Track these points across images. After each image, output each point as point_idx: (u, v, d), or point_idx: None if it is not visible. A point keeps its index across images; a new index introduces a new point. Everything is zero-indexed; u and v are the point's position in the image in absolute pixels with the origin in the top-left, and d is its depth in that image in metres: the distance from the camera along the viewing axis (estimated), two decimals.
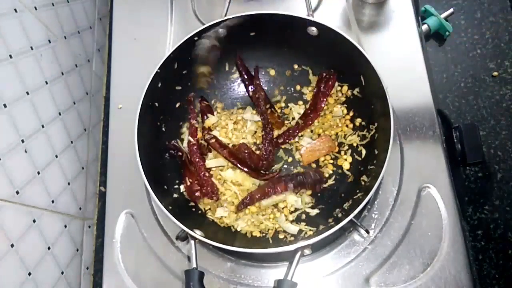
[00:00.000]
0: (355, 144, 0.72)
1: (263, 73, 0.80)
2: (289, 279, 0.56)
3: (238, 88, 0.81)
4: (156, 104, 0.70)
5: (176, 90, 0.75)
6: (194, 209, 0.71)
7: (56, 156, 0.73)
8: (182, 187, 0.71)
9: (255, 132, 0.76)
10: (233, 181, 0.71)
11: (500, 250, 0.78)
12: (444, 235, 0.65)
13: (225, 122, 0.77)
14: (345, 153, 0.72)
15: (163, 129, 0.73)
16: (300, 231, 0.66)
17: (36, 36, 0.71)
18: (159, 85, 0.69)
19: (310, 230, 0.65)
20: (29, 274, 0.61)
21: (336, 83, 0.76)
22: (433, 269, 0.63)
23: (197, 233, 0.59)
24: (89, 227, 0.82)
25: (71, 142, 0.79)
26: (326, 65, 0.77)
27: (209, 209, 0.70)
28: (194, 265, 0.59)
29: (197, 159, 0.71)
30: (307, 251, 0.63)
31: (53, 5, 0.77)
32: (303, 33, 0.71)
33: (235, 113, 0.78)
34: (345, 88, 0.75)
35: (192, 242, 0.62)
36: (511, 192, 0.82)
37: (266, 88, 0.80)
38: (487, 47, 0.95)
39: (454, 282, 0.62)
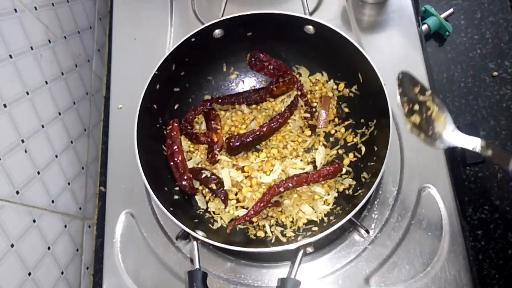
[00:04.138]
0: (350, 140, 0.73)
1: (262, 73, 0.80)
2: (292, 277, 0.56)
3: (236, 88, 0.81)
4: (155, 106, 0.70)
5: (174, 91, 0.75)
6: (194, 210, 0.71)
7: (56, 156, 0.73)
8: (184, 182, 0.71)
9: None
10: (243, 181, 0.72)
11: (500, 250, 0.78)
12: (444, 235, 0.65)
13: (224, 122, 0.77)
14: (342, 149, 0.73)
15: (163, 130, 0.74)
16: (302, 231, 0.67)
17: (36, 36, 0.71)
18: (158, 87, 0.69)
19: (311, 228, 0.65)
20: (29, 274, 0.61)
21: (332, 81, 0.77)
22: (433, 269, 0.63)
23: (199, 234, 0.59)
24: (89, 227, 0.82)
25: (71, 142, 0.79)
26: (323, 64, 0.77)
27: (218, 214, 0.70)
28: (197, 266, 0.60)
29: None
30: (309, 249, 0.63)
31: (53, 5, 0.77)
32: (300, 32, 0.72)
33: (234, 113, 0.79)
34: (341, 86, 0.76)
35: (195, 243, 0.62)
36: (511, 192, 0.81)
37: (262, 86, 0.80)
38: (487, 47, 0.95)
39: (454, 282, 0.62)
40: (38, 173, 0.67)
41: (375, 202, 0.69)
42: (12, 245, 0.58)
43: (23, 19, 0.67)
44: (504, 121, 0.87)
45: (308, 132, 0.75)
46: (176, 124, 0.73)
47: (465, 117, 0.90)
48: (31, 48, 0.69)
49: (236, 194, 0.71)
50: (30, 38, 0.69)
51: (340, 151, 0.73)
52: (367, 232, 0.66)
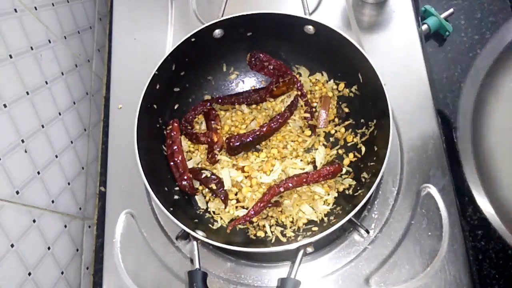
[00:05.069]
0: (350, 140, 0.73)
1: (262, 73, 0.80)
2: (292, 277, 0.56)
3: (236, 88, 0.81)
4: (155, 106, 0.70)
5: (174, 91, 0.75)
6: (194, 210, 0.71)
7: (56, 156, 0.73)
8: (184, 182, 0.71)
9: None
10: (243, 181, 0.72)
11: (500, 250, 0.77)
12: (444, 235, 0.65)
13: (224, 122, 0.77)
14: (342, 149, 0.73)
15: (163, 130, 0.74)
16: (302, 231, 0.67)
17: (36, 36, 0.71)
18: (158, 86, 0.69)
19: (311, 228, 0.65)
20: (29, 274, 0.61)
21: (332, 81, 0.77)
22: (433, 269, 0.63)
23: (199, 234, 0.59)
24: (89, 227, 0.82)
25: (71, 142, 0.79)
26: (323, 64, 0.77)
27: (218, 214, 0.70)
28: (197, 266, 0.60)
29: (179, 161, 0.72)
30: (309, 249, 0.63)
31: (53, 5, 0.77)
32: (300, 32, 0.72)
33: (234, 113, 0.79)
34: (341, 86, 0.76)
35: (195, 243, 0.62)
36: None
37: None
38: None
39: (454, 282, 0.62)
40: (38, 173, 0.67)
41: (375, 202, 0.69)
42: (12, 245, 0.58)
43: (23, 19, 0.67)
44: None
45: (308, 132, 0.75)
46: (176, 124, 0.74)
47: None
48: (31, 48, 0.69)
49: (236, 194, 0.71)
50: (30, 38, 0.69)
51: (340, 151, 0.73)
52: (367, 232, 0.66)
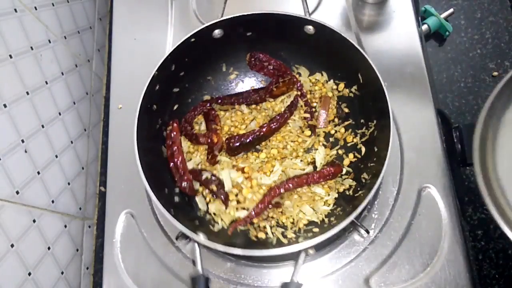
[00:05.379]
0: (350, 140, 0.73)
1: (262, 73, 0.80)
2: (294, 280, 0.56)
3: (236, 89, 0.81)
4: (155, 106, 0.70)
5: (173, 92, 0.75)
6: (195, 211, 0.71)
7: (56, 156, 0.73)
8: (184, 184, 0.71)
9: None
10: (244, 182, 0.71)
11: (500, 250, 0.78)
12: (444, 235, 0.65)
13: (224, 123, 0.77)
14: (342, 149, 0.73)
15: (163, 131, 0.73)
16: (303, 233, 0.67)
17: (36, 36, 0.71)
18: (157, 87, 0.69)
19: (312, 229, 0.65)
20: (29, 274, 0.61)
21: (332, 81, 0.77)
22: (433, 269, 0.63)
23: (201, 236, 0.59)
24: (89, 227, 0.82)
25: (71, 142, 0.79)
26: (323, 64, 0.77)
27: (218, 215, 0.70)
28: (200, 271, 0.59)
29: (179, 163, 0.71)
30: (311, 251, 0.63)
31: (53, 5, 0.77)
32: (300, 32, 0.72)
33: (234, 113, 0.79)
34: (341, 86, 0.76)
35: (196, 245, 0.62)
36: None
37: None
38: (487, 47, 0.95)
39: (454, 282, 0.62)
40: (38, 173, 0.67)
41: (375, 202, 0.69)
42: (12, 245, 0.58)
43: (23, 19, 0.67)
44: None
45: (308, 132, 0.75)
46: (176, 125, 0.73)
47: (465, 117, 0.90)
48: (31, 48, 0.69)
49: (236, 195, 0.71)
50: (30, 38, 0.69)
51: (340, 152, 0.73)
52: (367, 232, 0.66)
